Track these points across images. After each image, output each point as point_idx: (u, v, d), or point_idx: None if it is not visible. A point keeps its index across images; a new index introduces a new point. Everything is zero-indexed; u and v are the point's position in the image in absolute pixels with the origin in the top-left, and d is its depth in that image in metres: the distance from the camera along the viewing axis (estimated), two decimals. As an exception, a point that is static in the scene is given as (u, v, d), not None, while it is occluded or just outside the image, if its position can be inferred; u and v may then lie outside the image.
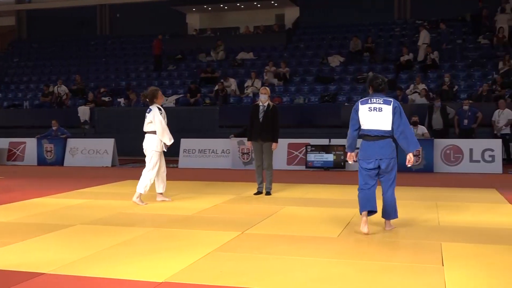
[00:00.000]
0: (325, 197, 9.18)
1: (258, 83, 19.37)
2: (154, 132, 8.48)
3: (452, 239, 5.87)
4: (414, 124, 13.88)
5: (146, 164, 8.56)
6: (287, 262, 4.96)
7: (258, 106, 9.30)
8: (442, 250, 5.34)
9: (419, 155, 13.48)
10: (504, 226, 6.64)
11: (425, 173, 13.15)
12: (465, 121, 15.04)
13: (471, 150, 13.47)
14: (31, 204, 8.48)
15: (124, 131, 18.33)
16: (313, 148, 14.12)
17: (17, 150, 16.78)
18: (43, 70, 25.32)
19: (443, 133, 15.02)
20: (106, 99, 20.56)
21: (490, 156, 13.35)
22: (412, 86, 17.58)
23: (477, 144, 13.59)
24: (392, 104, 6.13)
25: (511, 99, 16.12)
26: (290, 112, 17.30)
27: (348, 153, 6.46)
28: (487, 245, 5.60)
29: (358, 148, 6.51)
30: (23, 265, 4.90)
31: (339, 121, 16.35)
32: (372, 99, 6.18)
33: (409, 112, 14.79)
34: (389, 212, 6.33)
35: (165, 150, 8.71)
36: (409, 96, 17.11)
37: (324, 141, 14.33)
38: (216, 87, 19.37)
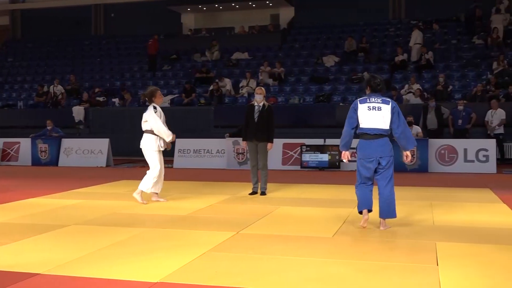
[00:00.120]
0: (320, 197, 9.19)
1: (253, 83, 19.37)
2: (150, 131, 8.47)
3: (446, 238, 5.88)
4: (409, 124, 13.89)
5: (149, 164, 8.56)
6: (282, 262, 4.96)
7: (253, 106, 9.29)
8: (436, 250, 5.35)
9: (414, 155, 13.51)
10: (498, 225, 6.66)
11: (419, 173, 13.18)
12: (460, 121, 15.09)
13: (465, 150, 13.52)
14: (26, 204, 8.45)
15: (119, 131, 18.31)
16: (308, 148, 14.14)
17: (11, 150, 16.72)
18: (38, 70, 25.24)
19: (438, 133, 15.06)
20: (101, 99, 20.52)
21: (484, 156, 13.41)
22: (406, 86, 17.62)
23: (472, 144, 13.65)
24: (390, 104, 6.25)
25: (505, 99, 16.17)
26: (285, 112, 17.31)
27: (343, 152, 6.48)
28: (481, 245, 5.62)
29: (352, 148, 6.54)
30: (18, 265, 4.88)
31: (334, 121, 16.37)
32: (371, 99, 6.27)
33: (403, 112, 14.74)
34: (387, 211, 6.32)
35: (168, 148, 8.70)
36: (403, 96, 17.15)
37: (319, 141, 14.35)
38: (211, 87, 19.36)
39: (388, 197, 6.30)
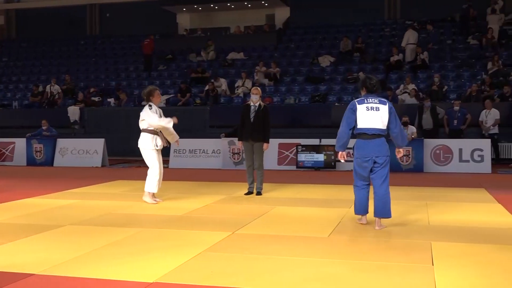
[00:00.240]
0: (315, 197, 9.20)
1: (248, 83, 19.37)
2: (147, 130, 8.45)
3: (442, 238, 5.89)
4: (405, 124, 13.93)
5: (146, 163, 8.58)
6: (278, 262, 4.96)
7: (249, 106, 9.30)
8: (432, 250, 5.37)
9: (409, 155, 13.55)
10: (493, 225, 6.69)
11: (415, 173, 13.22)
12: (455, 122, 15.12)
13: (460, 150, 13.56)
14: (21, 205, 8.42)
15: (114, 131, 18.28)
16: (304, 148, 14.15)
17: (6, 151, 16.67)
18: (33, 70, 25.18)
19: (433, 133, 15.09)
20: (96, 99, 20.49)
21: (479, 156, 13.45)
22: (402, 86, 17.66)
23: (467, 144, 13.69)
24: (387, 104, 6.36)
25: (500, 99, 16.22)
26: (281, 112, 17.32)
27: (340, 152, 6.54)
28: (476, 244, 5.64)
29: (348, 148, 6.58)
30: (13, 266, 4.87)
31: (330, 121, 16.39)
32: (368, 99, 6.36)
33: (399, 112, 14.81)
34: (382, 210, 6.35)
35: (168, 145, 8.69)
36: (399, 96, 17.19)
37: (314, 141, 14.37)
38: (207, 87, 19.36)
39: (383, 196, 6.34)
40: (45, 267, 4.81)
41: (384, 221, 6.52)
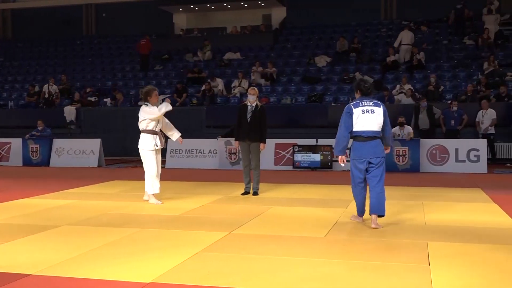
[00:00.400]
0: (312, 197, 9.20)
1: (245, 83, 19.37)
2: (146, 131, 8.44)
3: (438, 238, 5.91)
4: (401, 125, 13.96)
5: (143, 164, 8.58)
6: (274, 262, 4.97)
7: (246, 106, 9.30)
8: (428, 249, 5.38)
9: (405, 155, 13.57)
10: (489, 225, 6.71)
11: (411, 172, 13.24)
12: (452, 122, 15.15)
13: (456, 150, 13.59)
14: (17, 205, 8.41)
15: (111, 131, 18.27)
16: (300, 148, 14.16)
17: (2, 151, 16.63)
18: (29, 70, 25.12)
19: (430, 133, 15.12)
20: (92, 99, 20.45)
21: (475, 156, 13.48)
22: (398, 86, 17.68)
23: (463, 144, 13.72)
24: (382, 106, 6.54)
25: (496, 99, 16.25)
26: (277, 112, 17.32)
27: (340, 156, 6.64)
28: (473, 244, 5.65)
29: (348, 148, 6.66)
30: (9, 266, 4.86)
31: (326, 121, 16.42)
32: (363, 102, 6.51)
33: (396, 112, 14.91)
34: (377, 207, 6.42)
35: (165, 146, 8.68)
36: (395, 97, 17.21)
37: (311, 141, 14.37)
38: (203, 87, 19.35)
39: (379, 194, 6.43)
40: (41, 268, 4.80)
41: (381, 220, 6.55)
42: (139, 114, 8.49)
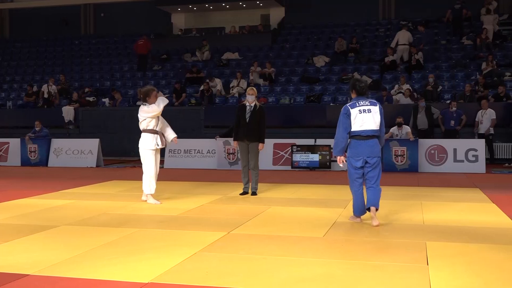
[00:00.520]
0: (310, 197, 9.21)
1: (243, 83, 19.37)
2: (146, 130, 8.44)
3: (436, 238, 5.91)
4: (399, 125, 13.96)
5: (142, 163, 8.58)
6: (273, 262, 4.97)
7: (244, 106, 9.30)
8: (427, 249, 5.38)
9: (404, 155, 13.58)
10: (488, 225, 6.71)
11: (410, 172, 13.25)
12: (452, 122, 15.15)
13: (455, 150, 13.60)
14: (15, 205, 8.40)
15: (109, 131, 18.27)
16: (299, 148, 14.16)
17: (0, 151, 16.61)
18: (27, 70, 25.09)
19: (428, 133, 15.13)
20: (91, 99, 20.44)
21: (473, 156, 13.50)
22: (396, 86, 17.70)
23: (461, 144, 13.74)
24: (378, 105, 6.64)
25: (494, 99, 16.26)
26: (276, 112, 17.33)
27: (338, 157, 6.73)
28: (471, 244, 5.66)
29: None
30: (7, 266, 4.86)
31: (325, 121, 16.44)
32: (360, 102, 6.61)
33: (394, 113, 14.92)
34: (373, 200, 6.60)
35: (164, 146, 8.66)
36: (393, 97, 17.22)
37: (309, 141, 14.39)
38: (202, 87, 19.34)
39: (375, 188, 6.63)
40: (40, 268, 4.80)
41: (379, 220, 6.62)
42: (138, 115, 8.49)
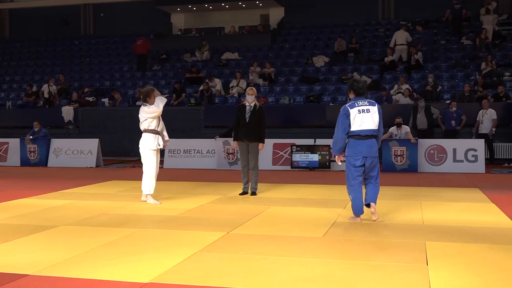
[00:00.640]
0: (310, 197, 9.21)
1: (243, 83, 19.37)
2: (148, 131, 8.45)
3: (436, 238, 5.91)
4: (398, 125, 13.96)
5: (143, 164, 8.56)
6: (272, 262, 4.97)
7: (244, 106, 9.30)
8: (426, 249, 5.39)
9: (403, 155, 13.58)
10: (487, 225, 6.71)
11: (409, 172, 13.25)
12: (453, 123, 15.15)
13: (454, 150, 13.61)
14: (15, 205, 8.40)
15: (109, 131, 18.27)
16: (299, 148, 14.16)
17: (0, 151, 16.60)
18: (26, 70, 25.08)
19: (428, 133, 15.14)
20: (90, 99, 20.44)
21: (473, 156, 13.50)
22: (396, 86, 17.70)
23: (461, 144, 13.74)
24: (376, 105, 6.73)
25: (493, 99, 16.26)
26: (275, 112, 17.33)
27: (337, 156, 6.86)
28: (471, 244, 5.66)
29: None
30: (6, 266, 4.86)
31: (324, 121, 16.44)
32: (358, 102, 6.70)
33: (393, 112, 14.92)
34: (372, 197, 6.76)
35: (165, 143, 8.64)
36: (393, 97, 17.23)
37: (309, 141, 14.39)
38: (201, 87, 19.34)
39: (375, 185, 6.79)
40: (39, 268, 4.79)
41: (379, 220, 6.68)
42: (139, 115, 8.50)
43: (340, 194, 9.13)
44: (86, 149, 15.79)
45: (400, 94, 17.17)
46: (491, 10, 20.40)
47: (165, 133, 8.68)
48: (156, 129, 8.46)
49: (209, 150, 14.98)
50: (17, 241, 5.91)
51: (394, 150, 13.56)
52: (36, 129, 16.41)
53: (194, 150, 15.14)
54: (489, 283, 4.36)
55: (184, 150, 15.16)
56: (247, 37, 24.07)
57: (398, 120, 14.01)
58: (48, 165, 15.90)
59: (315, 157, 14.00)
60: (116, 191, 10.06)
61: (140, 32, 23.98)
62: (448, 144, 13.73)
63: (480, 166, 13.34)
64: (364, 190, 6.85)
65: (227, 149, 14.62)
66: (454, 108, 15.19)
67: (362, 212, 6.82)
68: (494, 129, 14.76)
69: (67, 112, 19.32)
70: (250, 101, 9.21)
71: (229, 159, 14.65)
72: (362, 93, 6.78)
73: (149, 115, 8.38)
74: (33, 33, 28.21)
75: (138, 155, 8.73)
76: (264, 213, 7.56)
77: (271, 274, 4.60)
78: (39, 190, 10.12)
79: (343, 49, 21.09)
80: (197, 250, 5.38)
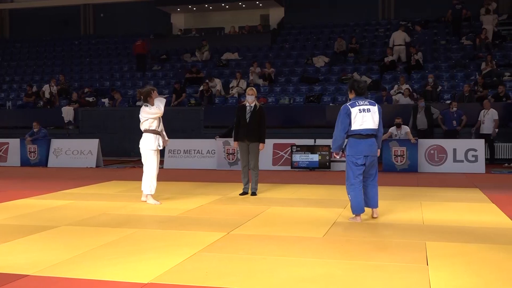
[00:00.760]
0: (310, 197, 9.21)
1: (243, 83, 19.37)
2: (149, 131, 8.45)
3: (436, 238, 5.91)
4: (398, 125, 13.95)
5: (143, 164, 8.56)
6: (273, 263, 4.97)
7: (244, 106, 9.30)
8: (426, 249, 5.39)
9: (403, 155, 13.58)
10: (487, 225, 6.71)
11: (409, 173, 13.25)
12: (454, 123, 15.14)
13: (454, 150, 13.61)
14: (15, 205, 8.40)
15: (109, 131, 18.26)
16: (299, 149, 14.16)
17: (0, 151, 16.60)
18: (26, 70, 25.09)
19: (428, 133, 15.13)
20: (90, 99, 20.43)
21: (473, 156, 13.50)
22: (396, 86, 17.70)
23: (461, 144, 13.74)
24: (376, 105, 6.80)
25: (494, 99, 16.26)
26: (275, 112, 17.32)
27: (334, 153, 6.99)
28: (471, 244, 5.66)
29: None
30: (7, 266, 4.86)
31: (324, 122, 16.43)
32: (359, 102, 6.75)
33: (393, 112, 14.92)
34: (374, 203, 6.89)
35: (165, 143, 8.64)
36: (393, 97, 17.22)
37: (309, 142, 14.38)
38: (201, 88, 19.34)
39: (375, 185, 6.91)
40: (39, 268, 4.80)
41: (379, 218, 6.80)
42: (140, 116, 8.50)
43: (340, 194, 9.12)
44: (86, 149, 15.78)
45: (400, 94, 17.17)
46: (491, 10, 20.40)
47: (164, 133, 8.69)
48: (156, 129, 8.47)
49: (209, 150, 14.98)
50: (17, 241, 5.91)
51: (394, 150, 13.56)
52: (35, 130, 16.37)
53: (194, 150, 15.13)
54: (489, 283, 4.36)
55: (184, 150, 15.16)
56: (247, 37, 24.07)
57: (398, 120, 14.00)
58: (48, 166, 15.90)
59: (315, 157, 14.00)
60: (116, 191, 10.06)
61: (140, 32, 23.99)
62: (448, 144, 13.73)
63: (480, 166, 13.34)
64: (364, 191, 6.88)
65: (227, 149, 14.61)
66: (454, 109, 15.19)
67: (363, 211, 6.84)
68: (496, 129, 14.75)
69: (67, 112, 19.32)
70: (250, 101, 9.21)
71: (229, 159, 14.65)
72: (362, 93, 6.84)
73: (151, 115, 8.38)
74: (33, 33, 28.22)
75: (138, 155, 8.74)
76: (264, 213, 7.57)
77: (271, 274, 4.60)
78: (39, 190, 10.12)
79: (343, 49, 21.09)
80: (197, 250, 5.38)
